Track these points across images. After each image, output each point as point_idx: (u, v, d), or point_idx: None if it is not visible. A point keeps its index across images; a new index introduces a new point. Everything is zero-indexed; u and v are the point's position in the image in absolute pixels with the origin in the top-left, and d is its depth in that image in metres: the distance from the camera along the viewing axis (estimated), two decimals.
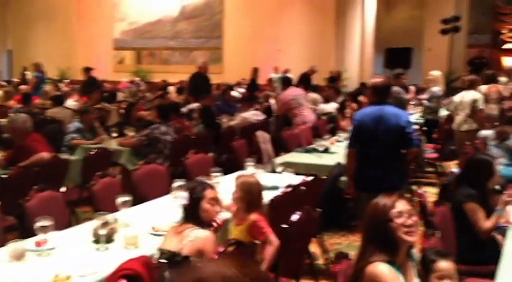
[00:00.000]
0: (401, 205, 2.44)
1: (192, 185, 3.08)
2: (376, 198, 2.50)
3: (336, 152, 6.25)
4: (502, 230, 3.61)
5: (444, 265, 2.53)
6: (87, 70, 13.12)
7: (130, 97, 11.87)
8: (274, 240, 3.20)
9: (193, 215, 2.90)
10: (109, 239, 3.09)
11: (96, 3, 19.92)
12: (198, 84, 10.19)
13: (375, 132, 4.36)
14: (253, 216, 3.27)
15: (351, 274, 2.47)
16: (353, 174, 4.57)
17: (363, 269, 2.35)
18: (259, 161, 6.01)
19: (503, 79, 10.88)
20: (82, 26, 19.78)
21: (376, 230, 2.42)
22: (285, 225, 3.20)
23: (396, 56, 17.18)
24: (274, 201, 3.85)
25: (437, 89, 8.95)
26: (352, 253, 4.64)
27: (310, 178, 4.47)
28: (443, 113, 9.39)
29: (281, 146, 6.90)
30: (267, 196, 4.02)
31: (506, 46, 16.56)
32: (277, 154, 6.63)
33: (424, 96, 9.50)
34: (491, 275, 2.85)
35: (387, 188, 4.03)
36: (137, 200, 4.07)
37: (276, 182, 4.56)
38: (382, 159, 4.40)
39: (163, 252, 2.83)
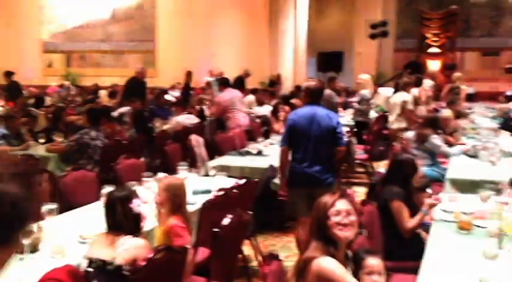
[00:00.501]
0: (341, 204, 2.54)
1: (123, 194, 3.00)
2: (322, 196, 2.61)
3: (269, 154, 6.30)
4: (426, 227, 3.76)
5: (372, 262, 2.62)
6: (9, 74, 12.53)
7: (60, 101, 11.51)
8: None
9: (128, 223, 2.85)
10: (34, 248, 2.98)
11: (23, 5, 19.16)
12: (134, 89, 10.01)
13: (309, 131, 4.55)
14: (172, 221, 3.18)
15: (295, 268, 2.52)
16: (285, 171, 4.66)
17: (307, 265, 2.42)
18: (193, 165, 5.98)
19: (428, 82, 11.33)
20: (8, 28, 18.96)
21: (317, 226, 2.53)
22: (216, 229, 3.19)
23: (328, 60, 17.60)
24: (207, 204, 3.84)
25: (366, 92, 9.24)
26: (284, 254, 4.70)
27: (242, 181, 4.49)
28: (372, 115, 9.68)
29: (215, 150, 6.88)
30: (200, 200, 4.01)
31: (431, 50, 17.28)
32: (211, 157, 6.61)
33: (354, 99, 9.77)
34: (417, 270, 2.95)
35: (318, 184, 4.17)
36: (65, 208, 3.96)
37: (208, 185, 4.55)
38: (315, 157, 4.54)
39: (92, 261, 2.75)
